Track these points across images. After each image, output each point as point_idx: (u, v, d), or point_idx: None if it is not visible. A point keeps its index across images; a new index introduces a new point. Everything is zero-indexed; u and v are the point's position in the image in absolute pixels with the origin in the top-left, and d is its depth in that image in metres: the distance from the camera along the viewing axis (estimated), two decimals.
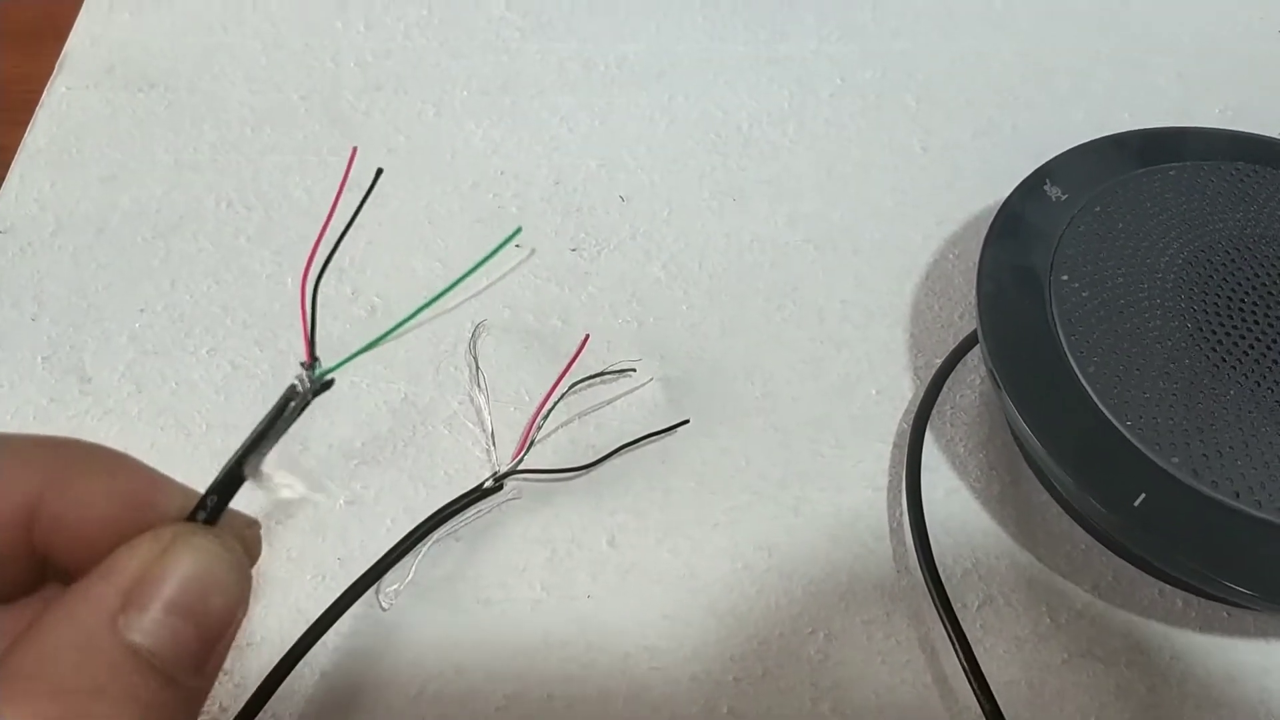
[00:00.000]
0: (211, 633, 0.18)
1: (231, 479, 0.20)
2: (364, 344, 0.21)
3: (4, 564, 0.19)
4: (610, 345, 0.36)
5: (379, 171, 0.21)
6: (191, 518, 0.19)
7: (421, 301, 0.36)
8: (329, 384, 0.21)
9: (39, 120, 0.41)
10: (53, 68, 0.43)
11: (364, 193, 0.22)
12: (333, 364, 0.21)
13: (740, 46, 0.45)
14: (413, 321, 0.23)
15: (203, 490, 0.20)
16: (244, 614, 0.19)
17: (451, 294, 0.36)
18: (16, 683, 0.16)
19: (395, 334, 0.22)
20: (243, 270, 0.37)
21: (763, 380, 0.35)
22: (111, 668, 0.17)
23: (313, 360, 0.20)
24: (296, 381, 0.20)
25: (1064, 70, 0.45)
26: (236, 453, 0.20)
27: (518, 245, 0.37)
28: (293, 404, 0.20)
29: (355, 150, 0.21)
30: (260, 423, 0.20)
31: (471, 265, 0.22)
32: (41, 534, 0.18)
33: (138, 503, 0.19)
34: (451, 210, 0.39)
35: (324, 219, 0.21)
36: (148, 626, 0.17)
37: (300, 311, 0.20)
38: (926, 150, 0.42)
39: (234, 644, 0.29)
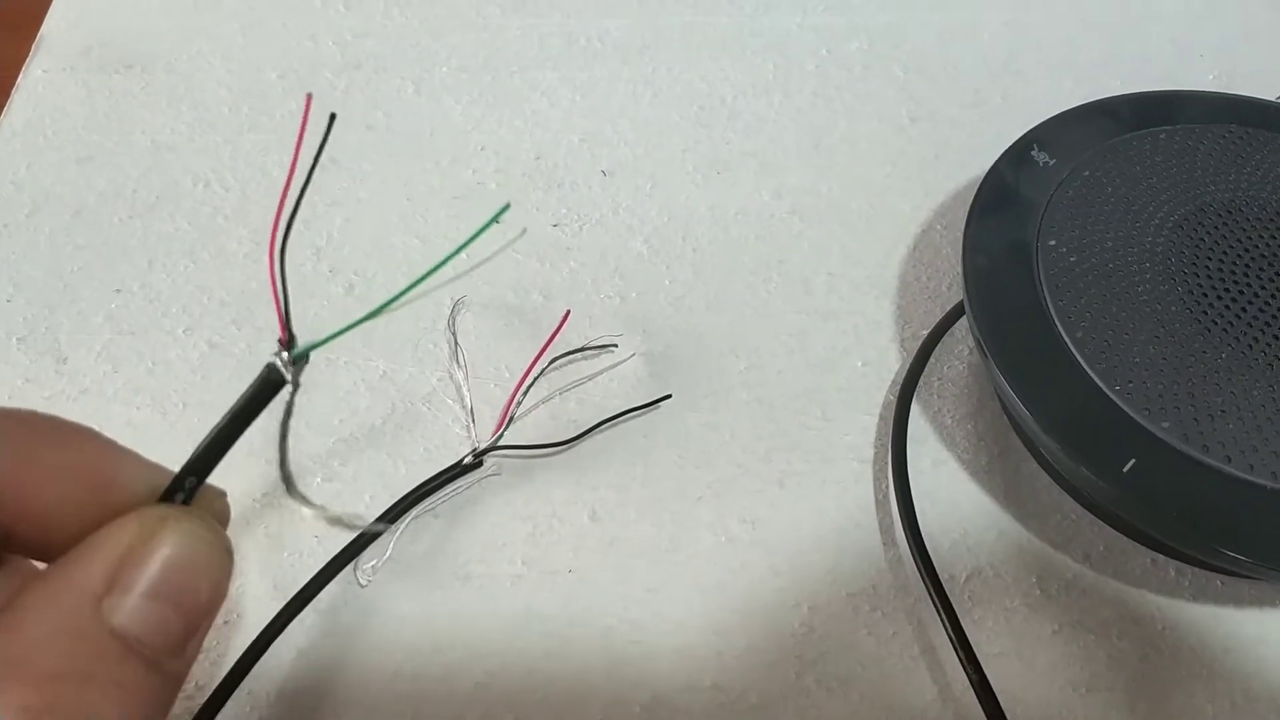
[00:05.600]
0: (195, 618, 0.18)
1: (208, 458, 0.19)
2: (347, 323, 0.20)
3: None
4: (592, 321, 0.35)
5: (332, 116, 0.20)
6: (168, 498, 0.19)
7: (401, 278, 0.36)
8: (305, 360, 0.20)
9: (15, 103, 0.40)
10: (28, 52, 0.42)
11: (323, 138, 0.20)
12: (313, 341, 0.20)
13: (724, 18, 0.45)
14: (397, 302, 0.21)
15: (172, 468, 0.19)
16: (224, 598, 0.19)
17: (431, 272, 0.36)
18: (0, 666, 0.16)
19: (382, 313, 0.21)
20: (220, 250, 0.37)
21: (748, 354, 0.35)
22: (96, 654, 0.16)
23: (289, 337, 0.19)
24: (277, 361, 0.19)
25: (1053, 39, 0.44)
26: (212, 431, 0.19)
27: (499, 220, 0.37)
28: (289, 389, 0.19)
29: (310, 98, 0.20)
30: (237, 403, 0.19)
31: (460, 243, 0.21)
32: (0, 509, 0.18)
33: (98, 480, 0.18)
34: (431, 186, 0.39)
35: (297, 187, 0.20)
36: (132, 611, 0.17)
37: (271, 285, 0.19)
38: (914, 121, 0.42)
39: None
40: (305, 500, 0.20)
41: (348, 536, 0.29)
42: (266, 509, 0.31)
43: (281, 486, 0.20)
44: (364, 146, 0.40)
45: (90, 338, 0.34)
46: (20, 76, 0.41)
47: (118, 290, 0.35)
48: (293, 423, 0.20)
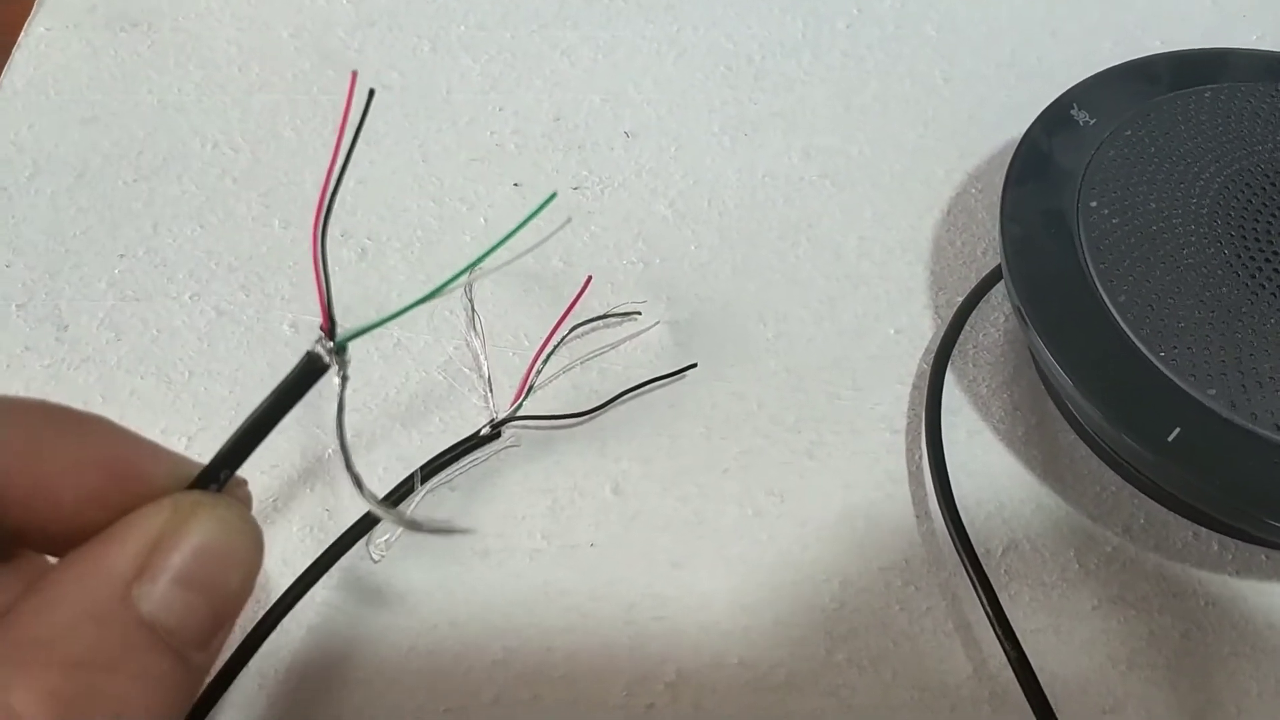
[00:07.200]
0: (225, 610, 0.17)
1: (242, 449, 0.19)
2: (386, 314, 0.19)
3: None
4: (614, 287, 0.34)
5: (371, 93, 0.19)
6: (200, 489, 0.18)
7: (416, 243, 0.35)
8: (345, 351, 0.19)
9: (16, 62, 0.39)
10: (30, 9, 0.41)
11: (358, 122, 0.20)
12: (352, 329, 0.19)
13: None
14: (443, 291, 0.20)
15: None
16: (252, 591, 0.18)
17: (446, 238, 0.35)
18: (25, 650, 0.15)
19: (425, 302, 0.20)
20: (228, 213, 0.35)
21: (775, 321, 0.34)
22: (125, 642, 0.16)
23: (331, 325, 0.19)
24: (319, 348, 0.18)
25: None
26: (246, 421, 0.18)
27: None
28: (338, 383, 0.19)
29: (355, 75, 0.19)
30: (274, 392, 0.19)
31: (510, 230, 0.20)
32: (12, 507, 0.17)
33: (123, 472, 0.18)
34: (447, 148, 0.37)
35: (327, 164, 0.19)
36: (161, 599, 0.16)
37: (314, 271, 0.19)
38: (948, 81, 0.40)
39: None
40: (377, 501, 0.19)
41: (360, 511, 0.28)
42: (275, 482, 0.30)
43: (350, 484, 0.19)
44: (378, 107, 0.38)
45: (93, 304, 0.33)
46: (22, 35, 0.40)
47: (122, 255, 0.34)
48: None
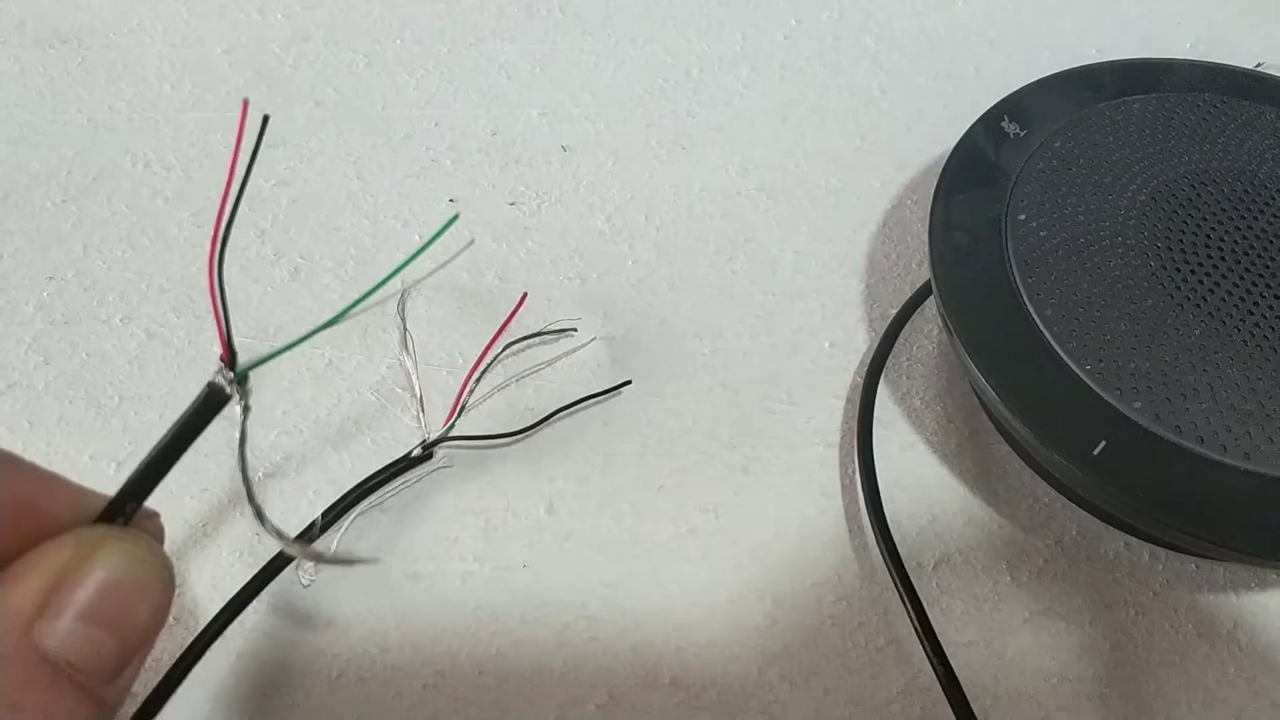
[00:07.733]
0: (133, 643, 0.17)
1: (147, 481, 0.18)
2: (285, 343, 0.19)
3: None
4: (551, 303, 0.34)
5: (265, 119, 0.19)
6: (107, 523, 0.18)
7: (350, 261, 0.34)
8: (246, 380, 0.19)
9: None
10: None
11: (254, 147, 0.19)
12: (253, 360, 0.19)
13: None
14: (341, 318, 0.21)
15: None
16: (164, 623, 0.18)
17: (380, 256, 0.35)
18: None
19: (323, 330, 0.20)
20: (159, 233, 0.35)
21: (712, 337, 0.34)
22: (26, 680, 0.16)
23: (231, 355, 0.19)
24: (219, 379, 0.18)
25: (1030, 7, 0.43)
26: (150, 453, 0.18)
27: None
28: (240, 413, 0.19)
29: (246, 103, 0.19)
30: (176, 424, 0.19)
31: (403, 260, 0.20)
32: None
33: (23, 510, 0.17)
34: (381, 164, 0.37)
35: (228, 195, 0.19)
36: (65, 635, 0.16)
37: (211, 301, 0.19)
38: (886, 93, 0.40)
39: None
40: (281, 534, 0.19)
41: (291, 535, 0.28)
42: (204, 506, 0.29)
43: (251, 512, 0.19)
44: (312, 123, 0.38)
45: (20, 329, 0.33)
46: None
47: (50, 278, 0.34)
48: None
